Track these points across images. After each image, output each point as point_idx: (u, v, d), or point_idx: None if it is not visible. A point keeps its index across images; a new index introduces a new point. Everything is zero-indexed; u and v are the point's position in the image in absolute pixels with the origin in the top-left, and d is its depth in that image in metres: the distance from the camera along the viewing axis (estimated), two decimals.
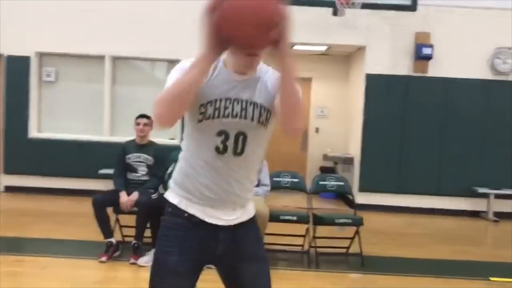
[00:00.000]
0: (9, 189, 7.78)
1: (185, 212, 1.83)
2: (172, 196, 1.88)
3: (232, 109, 1.75)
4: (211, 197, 1.81)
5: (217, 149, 1.77)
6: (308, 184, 5.30)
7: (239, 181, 1.83)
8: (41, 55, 7.89)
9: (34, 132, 7.80)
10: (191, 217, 1.83)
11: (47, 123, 7.91)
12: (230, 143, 1.76)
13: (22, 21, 7.61)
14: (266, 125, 1.80)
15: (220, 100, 1.74)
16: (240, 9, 1.52)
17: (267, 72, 1.83)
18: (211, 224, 1.84)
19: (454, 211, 7.74)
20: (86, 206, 4.55)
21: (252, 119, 1.77)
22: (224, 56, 1.77)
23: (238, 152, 1.78)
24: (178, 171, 1.89)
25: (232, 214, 1.86)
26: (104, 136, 7.78)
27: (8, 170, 7.77)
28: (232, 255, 1.88)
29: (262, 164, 4.91)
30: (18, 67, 7.69)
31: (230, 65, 1.79)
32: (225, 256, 1.88)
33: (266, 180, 4.90)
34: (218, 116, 1.74)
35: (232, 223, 1.86)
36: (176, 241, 1.83)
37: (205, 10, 1.56)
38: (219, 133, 1.76)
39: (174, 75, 1.70)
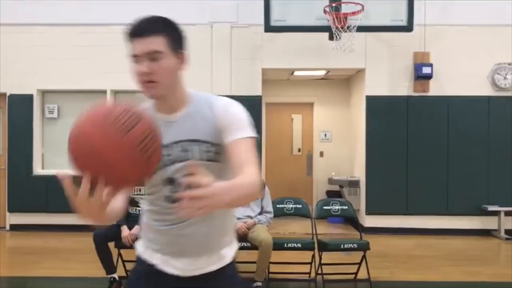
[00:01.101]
0: (14, 227, 7.75)
1: (146, 261, 1.74)
2: (139, 245, 1.81)
3: (173, 154, 1.60)
4: (171, 246, 1.68)
5: (167, 198, 1.63)
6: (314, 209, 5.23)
7: (203, 226, 1.65)
8: (43, 93, 7.97)
9: (38, 169, 7.81)
10: (152, 266, 1.72)
11: (51, 159, 7.92)
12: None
13: (23, 59, 7.70)
14: (218, 160, 1.63)
15: None
16: None
17: (204, 103, 1.66)
18: (172, 275, 1.70)
19: (464, 230, 7.59)
20: (90, 242, 4.49)
21: (198, 158, 1.60)
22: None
23: None
24: (141, 220, 1.80)
25: (197, 264, 1.69)
26: None
27: (13, 208, 7.75)
28: None
29: (265, 191, 4.87)
30: (20, 106, 7.75)
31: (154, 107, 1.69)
32: None
33: (268, 207, 4.86)
34: (160, 167, 1.58)
35: (195, 273, 1.69)
36: None
37: None
38: (166, 182, 1.62)
39: None
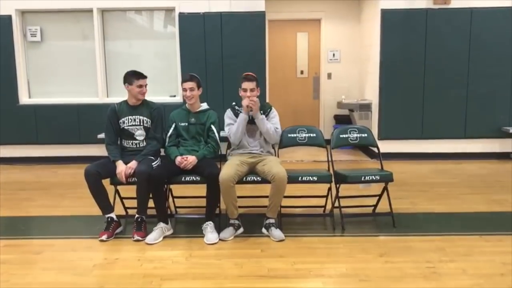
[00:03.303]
0: (4, 160, 7.30)
1: None
2: None
3: None
4: None
5: None
6: (324, 136, 4.74)
7: None
8: (23, 13, 7.19)
9: (24, 99, 7.22)
10: None
11: (37, 87, 7.31)
12: None
13: None
14: None
15: None
16: None
17: None
18: None
19: (483, 154, 7.19)
20: (83, 175, 4.00)
21: None
22: None
23: None
24: None
25: None
26: (99, 98, 7.19)
27: (0, 141, 7.26)
28: None
29: (271, 111, 4.32)
30: None
31: None
32: None
33: (277, 126, 4.32)
34: None
35: None
36: None
37: None
38: None
39: None
